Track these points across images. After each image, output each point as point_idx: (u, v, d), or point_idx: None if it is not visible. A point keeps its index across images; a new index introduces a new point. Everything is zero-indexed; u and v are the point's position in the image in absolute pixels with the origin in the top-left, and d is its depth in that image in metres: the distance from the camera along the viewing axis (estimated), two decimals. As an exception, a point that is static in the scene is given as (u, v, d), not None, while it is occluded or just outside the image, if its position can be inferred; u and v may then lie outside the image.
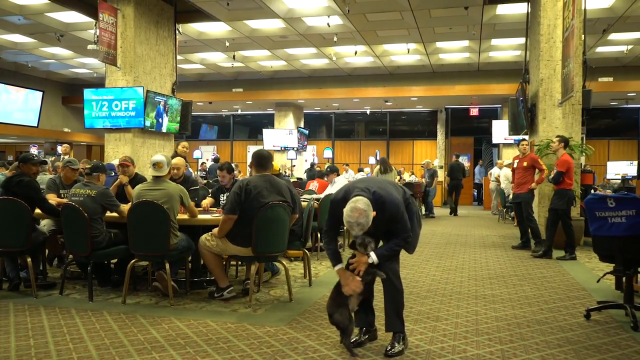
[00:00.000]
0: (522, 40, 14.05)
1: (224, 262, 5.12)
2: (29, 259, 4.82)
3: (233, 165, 6.63)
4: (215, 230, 4.71)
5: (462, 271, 6.39)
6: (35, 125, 15.50)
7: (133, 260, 4.73)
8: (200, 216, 5.17)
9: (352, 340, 3.50)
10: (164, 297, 4.79)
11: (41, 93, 19.46)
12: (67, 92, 21.13)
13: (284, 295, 5.00)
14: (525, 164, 8.04)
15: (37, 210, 5.17)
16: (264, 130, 20.32)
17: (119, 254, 4.96)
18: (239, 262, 6.11)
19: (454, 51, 15.62)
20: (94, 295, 4.86)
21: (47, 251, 5.92)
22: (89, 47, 13.56)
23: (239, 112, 23.30)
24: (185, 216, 5.08)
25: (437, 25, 12.98)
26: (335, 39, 13.72)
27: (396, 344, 3.46)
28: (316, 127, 23.56)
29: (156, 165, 4.88)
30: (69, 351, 3.41)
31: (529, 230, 8.12)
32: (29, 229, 4.83)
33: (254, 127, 23.83)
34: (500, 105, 19.58)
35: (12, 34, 14.47)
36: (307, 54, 16.28)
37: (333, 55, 16.09)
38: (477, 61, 16.48)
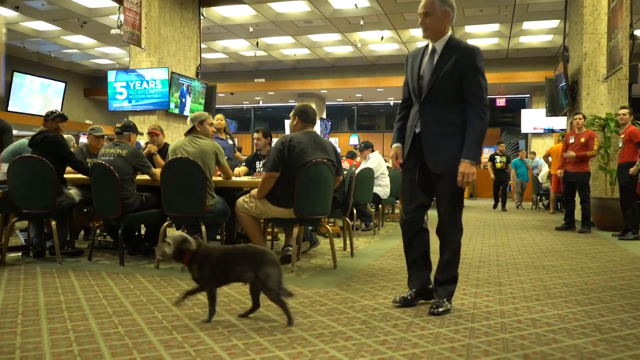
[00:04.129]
0: (555, 23, 13.57)
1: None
2: (53, 223, 4.53)
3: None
4: (254, 191, 4.38)
5: (509, 247, 5.98)
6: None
7: (166, 222, 4.41)
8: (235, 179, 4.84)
9: (401, 297, 3.18)
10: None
11: (64, 84, 19.49)
12: (89, 84, 21.08)
13: (327, 264, 4.65)
14: (582, 139, 7.46)
15: (66, 175, 4.92)
16: (287, 122, 20.02)
17: (151, 218, 4.65)
18: (274, 237, 5.78)
19: (482, 36, 15.17)
20: (125, 262, 4.56)
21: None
22: (112, 31, 13.41)
23: (260, 104, 23.04)
24: (220, 178, 4.77)
25: (468, 7, 12.56)
26: (361, 22, 13.38)
27: (445, 302, 3.08)
28: (338, 119, 23.21)
29: (194, 120, 4.60)
30: (103, 306, 3.10)
31: (582, 211, 7.61)
32: (53, 190, 4.53)
33: (274, 121, 23.55)
34: (528, 95, 19.04)
35: (36, 21, 14.36)
36: (331, 41, 15.96)
37: (358, 41, 15.73)
38: (506, 47, 16.01)
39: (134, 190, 4.61)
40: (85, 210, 5.55)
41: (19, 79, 17.46)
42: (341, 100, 21.95)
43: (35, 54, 18.04)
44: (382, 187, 7.58)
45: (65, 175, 4.95)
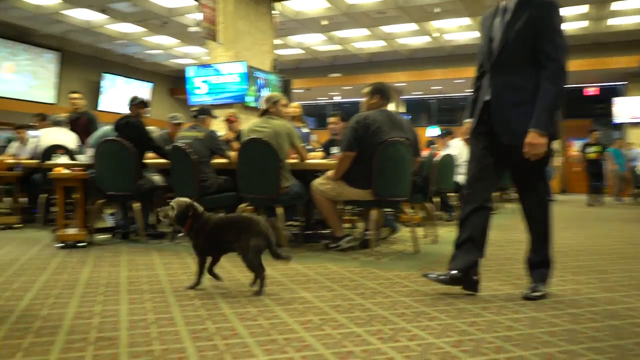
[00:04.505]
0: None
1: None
2: (135, 205, 4.61)
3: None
4: (330, 172, 4.24)
5: (611, 238, 5.48)
6: (148, 115, 16.03)
7: (243, 205, 4.37)
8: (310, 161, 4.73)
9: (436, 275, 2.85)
10: (277, 247, 4.39)
11: (151, 85, 20.38)
12: (174, 85, 21.87)
13: (408, 250, 4.43)
14: None
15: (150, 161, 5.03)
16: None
17: (228, 200, 4.63)
18: (352, 224, 5.63)
19: (570, 19, 14.24)
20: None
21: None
22: (190, 29, 13.79)
23: (335, 99, 22.99)
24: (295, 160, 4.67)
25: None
26: (437, 10, 12.95)
27: (540, 286, 2.77)
28: (416, 113, 22.71)
29: (268, 101, 4.51)
30: (180, 281, 3.08)
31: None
32: (135, 173, 4.62)
33: (351, 116, 23.39)
34: (625, 82, 17.67)
35: (121, 23, 15.02)
36: (406, 32, 15.59)
37: (434, 31, 15.27)
38: (595, 31, 14.95)
39: (211, 173, 4.62)
40: (168, 197, 5.66)
41: (108, 80, 18.46)
42: (419, 93, 21.46)
43: (122, 56, 18.92)
44: (464, 176, 7.21)
45: (149, 161, 5.06)
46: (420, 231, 5.25)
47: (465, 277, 2.79)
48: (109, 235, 5.05)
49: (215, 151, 4.68)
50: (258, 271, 2.78)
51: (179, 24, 14.52)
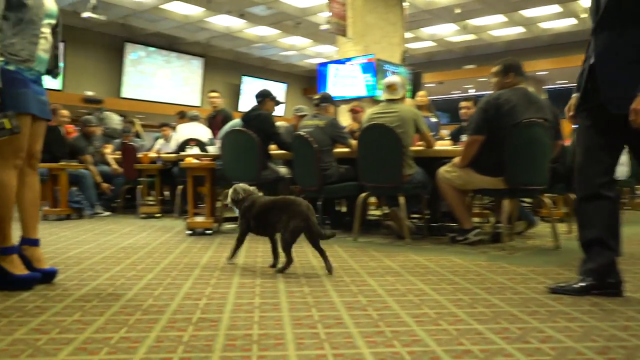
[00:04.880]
0: None
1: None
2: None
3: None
4: (457, 159, 3.92)
5: None
6: (282, 114, 16.72)
7: (363, 194, 4.21)
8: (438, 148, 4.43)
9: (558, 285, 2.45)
10: (398, 239, 4.18)
11: (285, 85, 21.14)
12: (307, 84, 22.46)
13: (546, 245, 3.96)
14: None
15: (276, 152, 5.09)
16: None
17: (349, 190, 4.49)
18: (484, 218, 5.21)
19: None
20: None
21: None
22: (322, 27, 13.96)
23: (469, 92, 21.99)
24: (420, 147, 4.40)
25: None
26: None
27: None
28: (559, 104, 20.93)
29: (390, 87, 4.29)
30: (294, 269, 2.98)
31: None
32: (258, 163, 4.67)
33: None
34: None
35: (257, 26, 15.70)
36: (548, 15, 14.37)
37: (582, 12, 13.88)
38: None
39: (333, 162, 4.52)
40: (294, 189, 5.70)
41: (247, 82, 19.46)
42: (564, 82, 19.74)
43: (259, 59, 19.82)
44: (618, 165, 6.36)
45: (276, 152, 5.13)
46: (562, 227, 4.69)
47: (600, 282, 2.36)
48: (235, 225, 5.18)
49: (336, 139, 4.57)
50: (288, 252, 2.84)
51: (311, 23, 14.81)
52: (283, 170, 5.39)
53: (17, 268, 2.42)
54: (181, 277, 2.72)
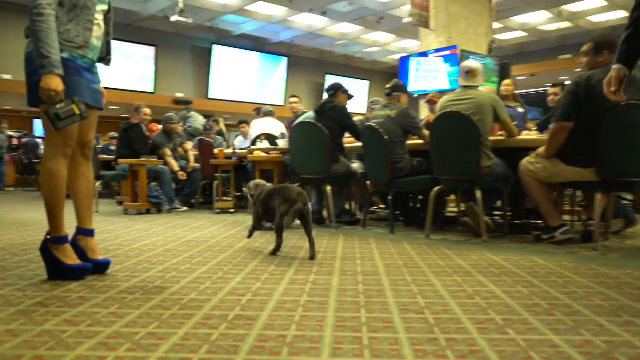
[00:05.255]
0: None
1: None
2: (328, 188, 4.49)
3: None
4: (542, 149, 3.53)
5: None
6: (365, 112, 16.50)
7: (437, 188, 3.91)
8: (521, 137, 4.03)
9: None
10: (475, 237, 3.84)
11: (368, 82, 20.91)
12: (388, 81, 22.09)
13: (648, 246, 3.48)
14: None
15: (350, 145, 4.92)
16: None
17: (423, 183, 4.20)
18: (575, 216, 4.72)
19: None
20: (398, 231, 4.26)
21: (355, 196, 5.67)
22: (404, 20, 13.58)
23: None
24: (501, 137, 4.03)
25: None
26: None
27: None
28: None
29: (470, 72, 3.96)
30: (355, 265, 2.78)
31: None
32: (328, 156, 4.49)
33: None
34: None
35: (340, 24, 15.58)
36: (659, -4, 13.03)
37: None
38: None
39: (404, 154, 4.26)
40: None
41: (330, 81, 19.38)
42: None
43: (343, 57, 19.71)
44: None
45: (350, 145, 4.96)
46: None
47: None
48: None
49: (408, 130, 4.31)
50: (278, 234, 3.07)
51: (394, 17, 14.47)
52: (356, 165, 5.20)
53: (70, 258, 2.41)
54: (234, 271, 2.61)
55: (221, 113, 15.24)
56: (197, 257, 3.04)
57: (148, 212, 6.09)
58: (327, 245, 3.53)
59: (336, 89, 4.97)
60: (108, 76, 14.71)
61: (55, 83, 2.25)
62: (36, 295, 2.11)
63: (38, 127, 16.87)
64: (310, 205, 3.14)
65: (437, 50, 10.32)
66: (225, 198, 6.84)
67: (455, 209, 5.21)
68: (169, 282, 2.36)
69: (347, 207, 5.36)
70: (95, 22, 2.51)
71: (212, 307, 1.93)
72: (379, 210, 5.59)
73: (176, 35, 16.24)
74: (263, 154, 4.53)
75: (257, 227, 3.39)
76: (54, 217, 2.40)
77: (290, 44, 17.59)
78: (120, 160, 6.29)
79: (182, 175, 6.49)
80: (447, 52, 10.11)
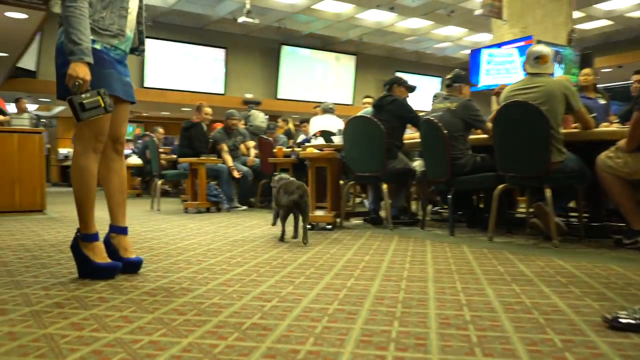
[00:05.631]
0: None
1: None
2: (384, 186, 4.24)
3: None
4: (622, 141, 3.11)
5: None
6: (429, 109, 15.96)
7: (501, 186, 3.57)
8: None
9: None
10: (545, 240, 3.47)
11: (440, 79, 20.30)
12: (461, 77, 21.32)
13: None
14: None
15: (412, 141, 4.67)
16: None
17: (486, 181, 3.85)
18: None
19: None
20: (459, 233, 3.95)
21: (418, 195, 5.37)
22: (476, 12, 13.00)
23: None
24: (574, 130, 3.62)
25: None
26: None
27: None
28: None
29: (540, 58, 3.56)
30: (402, 269, 2.53)
31: None
32: (383, 152, 4.24)
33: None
34: None
35: (409, 19, 15.17)
36: None
37: None
38: None
39: (466, 150, 3.94)
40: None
41: (399, 78, 18.98)
42: None
43: (414, 53, 19.22)
44: None
45: (411, 141, 4.70)
46: None
47: None
48: (361, 220, 4.82)
49: (470, 123, 3.97)
50: (281, 223, 3.53)
51: (466, 10, 13.89)
52: (418, 163, 4.91)
53: (99, 256, 2.32)
54: (269, 273, 2.43)
55: (290, 113, 15.24)
56: (237, 257, 2.90)
57: (208, 210, 6.09)
58: (377, 247, 3.29)
59: (392, 83, 4.72)
60: (180, 79, 15.18)
61: (83, 71, 2.16)
62: (58, 294, 2.03)
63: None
64: (307, 198, 3.44)
65: (511, 42, 9.74)
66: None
67: (525, 209, 4.80)
68: (197, 283, 2.22)
69: (409, 206, 5.07)
70: (129, 9, 2.42)
71: (230, 314, 1.76)
72: (442, 211, 5.26)
73: (245, 37, 16.44)
74: (316, 151, 4.34)
75: (276, 214, 3.61)
76: (83, 214, 2.33)
77: (359, 42, 17.35)
78: (180, 159, 6.33)
79: (237, 174, 6.40)
80: (522, 43, 9.50)
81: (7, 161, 5.62)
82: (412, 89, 4.82)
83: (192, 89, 15.18)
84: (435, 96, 5.49)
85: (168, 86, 15.01)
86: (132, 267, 2.44)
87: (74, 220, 4.77)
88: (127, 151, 13.62)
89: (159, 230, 4.18)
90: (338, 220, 4.41)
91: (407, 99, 4.73)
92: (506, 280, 2.27)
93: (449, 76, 4.29)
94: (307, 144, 5.01)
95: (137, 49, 2.58)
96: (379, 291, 2.08)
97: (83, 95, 2.17)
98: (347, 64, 18.35)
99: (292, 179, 3.53)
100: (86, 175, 2.32)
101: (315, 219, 4.20)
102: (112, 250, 2.44)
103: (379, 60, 19.03)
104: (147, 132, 11.87)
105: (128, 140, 16.34)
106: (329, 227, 4.17)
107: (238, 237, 3.72)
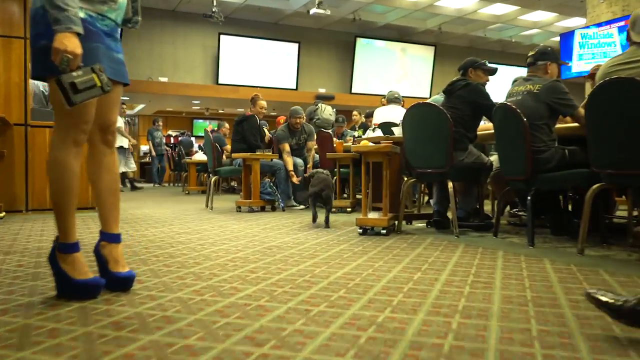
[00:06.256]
0: None
1: None
2: (450, 184, 3.61)
3: None
4: None
5: None
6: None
7: (595, 186, 2.84)
8: None
9: None
10: (655, 255, 2.72)
11: (526, 70, 18.88)
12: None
13: None
14: None
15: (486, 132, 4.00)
16: None
17: (576, 179, 3.12)
18: None
19: None
20: (541, 242, 3.26)
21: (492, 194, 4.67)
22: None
23: None
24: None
25: None
26: None
27: None
28: None
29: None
30: (457, 296, 1.93)
31: None
32: (448, 145, 3.60)
33: None
34: None
35: (492, 4, 14.14)
36: None
37: None
38: None
39: (549, 141, 3.22)
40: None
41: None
42: None
43: (498, 42, 18.00)
44: None
45: (485, 132, 4.03)
46: None
47: None
48: (424, 223, 4.21)
49: (557, 109, 3.25)
50: (312, 210, 4.12)
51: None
52: (494, 158, 4.23)
53: (78, 271, 1.91)
54: (283, 297, 1.92)
55: (364, 108, 14.66)
56: (260, 270, 2.41)
57: (263, 209, 5.70)
58: (435, 259, 2.69)
59: (467, 66, 4.07)
60: (253, 75, 15.02)
61: (73, 43, 1.73)
62: (15, 320, 1.64)
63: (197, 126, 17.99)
64: (328, 191, 3.96)
65: (610, 22, 8.64)
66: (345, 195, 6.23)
67: (625, 214, 3.97)
68: (187, 312, 1.74)
69: (482, 207, 4.39)
70: (121, -29, 2.00)
71: (220, 351, 1.27)
72: (522, 214, 4.52)
73: (319, 31, 16.05)
74: (371, 144, 3.78)
75: (307, 202, 4.05)
76: (61, 218, 1.93)
77: (438, 32, 16.44)
78: (234, 155, 5.98)
79: (295, 179, 5.90)
80: (623, 23, 8.38)
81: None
82: (492, 71, 4.15)
83: (264, 85, 15.00)
84: (514, 80, 4.73)
85: (241, 82, 14.92)
86: (122, 283, 2.01)
87: (142, 219, 4.54)
88: (195, 147, 13.70)
89: (196, 232, 3.81)
90: (396, 223, 3.83)
91: (486, 85, 4.07)
92: (606, 322, 1.61)
93: (531, 53, 3.57)
94: (363, 137, 4.46)
95: (131, 20, 2.16)
96: (418, 332, 1.51)
97: (74, 74, 1.75)
98: (425, 55, 17.51)
99: (324, 173, 4.02)
100: (64, 172, 1.91)
101: (367, 222, 3.64)
102: (102, 261, 2.04)
103: (459, 50, 17.96)
104: (214, 129, 11.79)
105: (199, 137, 16.55)
106: (384, 232, 3.60)
107: (275, 243, 3.25)
